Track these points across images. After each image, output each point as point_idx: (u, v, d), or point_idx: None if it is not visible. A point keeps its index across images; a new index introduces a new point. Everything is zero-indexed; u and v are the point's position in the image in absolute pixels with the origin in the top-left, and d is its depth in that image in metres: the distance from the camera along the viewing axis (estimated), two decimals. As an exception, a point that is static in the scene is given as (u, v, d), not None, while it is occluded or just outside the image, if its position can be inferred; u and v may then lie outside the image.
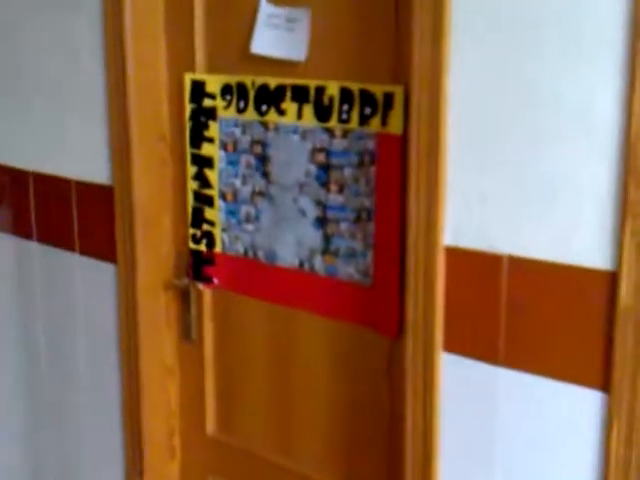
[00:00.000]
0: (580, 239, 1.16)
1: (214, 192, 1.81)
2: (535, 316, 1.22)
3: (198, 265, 1.88)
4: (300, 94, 1.62)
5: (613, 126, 1.11)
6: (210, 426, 1.94)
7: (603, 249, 1.14)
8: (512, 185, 1.22)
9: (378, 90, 1.49)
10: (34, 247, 2.17)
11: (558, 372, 1.20)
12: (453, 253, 1.31)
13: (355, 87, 1.53)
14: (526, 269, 1.22)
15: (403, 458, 1.42)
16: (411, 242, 1.36)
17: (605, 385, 1.16)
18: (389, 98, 1.47)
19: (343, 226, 1.59)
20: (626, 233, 1.11)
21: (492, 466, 1.30)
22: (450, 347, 1.33)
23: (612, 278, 1.13)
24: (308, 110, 1.61)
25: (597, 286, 1.15)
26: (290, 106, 1.64)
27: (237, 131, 1.75)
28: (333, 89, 1.56)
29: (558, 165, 1.17)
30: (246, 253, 1.78)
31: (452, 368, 1.33)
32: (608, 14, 1.10)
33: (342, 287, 1.62)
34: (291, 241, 1.69)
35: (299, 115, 1.63)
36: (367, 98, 1.51)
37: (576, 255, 1.17)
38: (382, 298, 1.54)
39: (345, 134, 1.56)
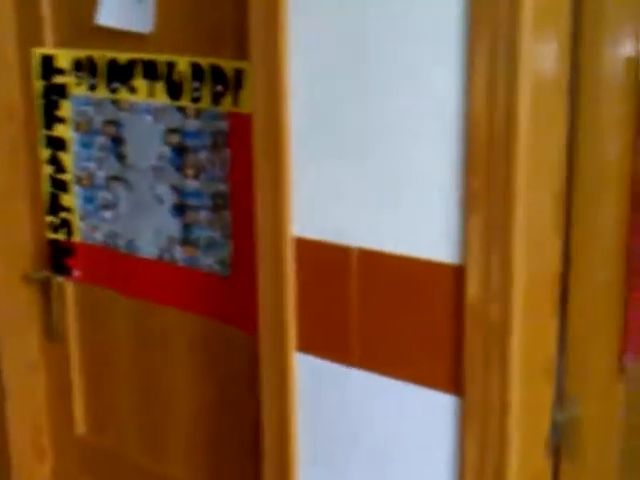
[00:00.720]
0: (427, 231, 1.07)
1: (69, 177, 1.67)
2: (386, 314, 1.13)
3: (57, 256, 1.73)
4: (151, 70, 1.48)
5: (454, 114, 1.01)
6: (80, 426, 1.81)
7: (449, 242, 1.04)
8: (360, 174, 1.12)
9: (228, 66, 1.37)
10: None
11: (410, 374, 1.11)
12: (303, 245, 1.20)
13: (205, 63, 1.40)
14: (376, 263, 1.13)
15: (262, 461, 1.34)
16: (260, 232, 1.25)
17: (457, 387, 1.08)
18: (239, 75, 1.35)
19: (202, 214, 1.47)
20: (470, 225, 1.02)
21: (348, 468, 1.22)
22: (304, 346, 1.23)
23: (459, 273, 1.05)
24: (160, 88, 1.48)
25: (445, 281, 1.06)
26: (141, 83, 1.50)
27: (90, 110, 1.61)
28: (183, 65, 1.43)
29: (403, 153, 1.07)
30: (106, 243, 1.64)
31: (306, 369, 1.23)
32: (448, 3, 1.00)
33: (203, 279, 1.50)
34: (150, 230, 1.56)
35: (150, 93, 1.49)
36: (218, 75, 1.39)
37: (424, 248, 1.07)
38: (241, 292, 1.43)
39: (198, 114, 1.43)
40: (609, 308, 1.16)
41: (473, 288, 1.03)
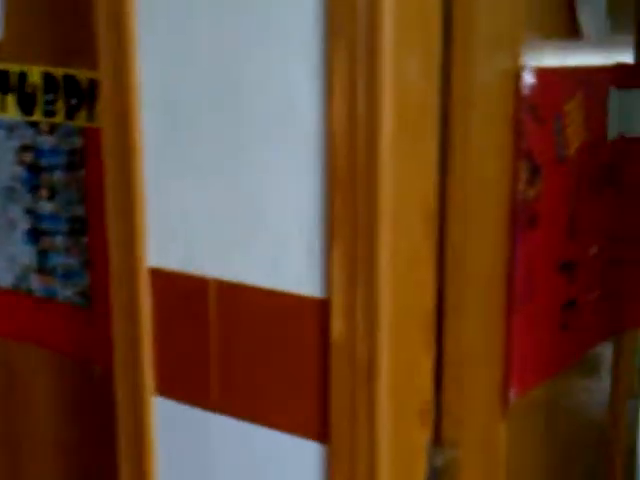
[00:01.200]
0: (288, 261, 0.96)
1: None
2: (247, 353, 1.02)
3: None
4: (1, 82, 1.34)
5: (316, 131, 0.92)
6: None
7: (313, 273, 0.94)
8: (216, 199, 1.00)
9: (83, 77, 1.24)
10: None
11: (272, 420, 1.00)
12: (159, 276, 1.08)
13: (59, 73, 1.27)
14: (236, 296, 1.02)
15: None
16: (112, 261, 1.12)
17: (323, 434, 0.98)
18: (93, 86, 1.23)
19: (58, 240, 1.34)
20: (333, 254, 0.93)
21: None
22: (162, 388, 1.11)
23: (324, 307, 0.95)
24: (11, 101, 1.34)
25: (309, 317, 0.96)
26: (-9, 96, 1.37)
27: (-62, 125, 1.46)
28: (35, 75, 1.30)
29: (262, 178, 0.96)
30: (-43, 272, 1.49)
31: (164, 414, 1.11)
32: (304, 9, 0.91)
33: (62, 311, 1.37)
34: (3, 257, 1.42)
35: (2, 107, 1.36)
36: (72, 86, 1.26)
37: (286, 280, 0.97)
38: (101, 326, 1.30)
39: (52, 130, 1.30)
40: (489, 339, 1.09)
41: (338, 324, 0.93)
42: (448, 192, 0.98)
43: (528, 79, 1.05)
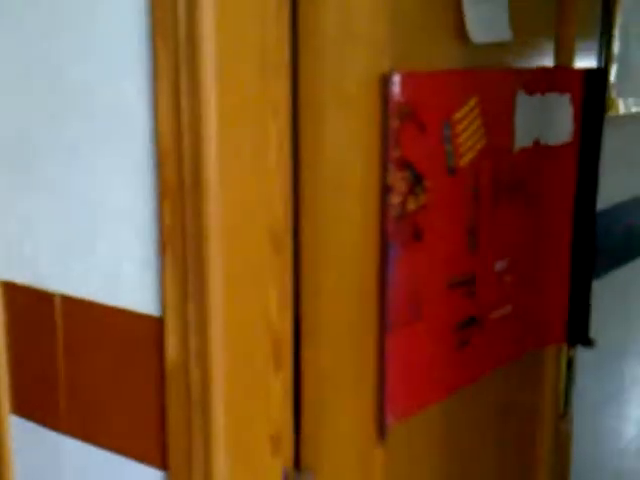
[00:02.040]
0: (125, 276, 0.90)
1: None
2: (92, 373, 0.95)
3: None
4: None
5: (144, 135, 0.86)
6: None
7: (148, 289, 0.88)
8: (55, 211, 0.94)
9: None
10: None
11: (116, 444, 0.94)
12: (10, 290, 1.02)
13: None
14: (79, 313, 0.95)
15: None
16: (-31, 274, 1.07)
17: (162, 461, 0.92)
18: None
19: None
20: (166, 269, 0.86)
21: None
22: (18, 408, 1.05)
23: (159, 326, 0.89)
24: None
25: (146, 337, 0.89)
26: None
27: None
28: None
29: (96, 188, 0.90)
30: None
31: (22, 435, 1.05)
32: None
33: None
34: None
35: None
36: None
37: (123, 297, 0.90)
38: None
39: None
40: (359, 363, 1.02)
41: (172, 345, 0.87)
42: (302, 205, 0.91)
43: (398, 82, 0.98)
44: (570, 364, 1.48)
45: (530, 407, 1.42)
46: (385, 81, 0.96)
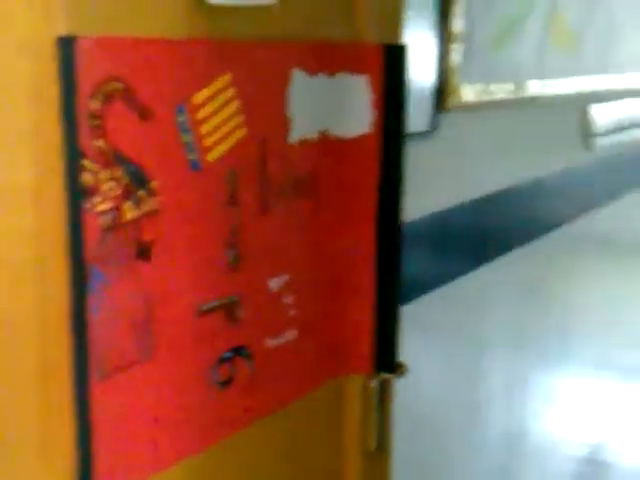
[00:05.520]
0: None
1: None
2: None
3: None
4: None
5: None
6: None
7: None
8: None
9: None
10: None
11: None
12: None
13: None
14: None
15: None
16: None
17: None
18: None
19: None
20: None
21: None
22: None
23: None
24: None
25: None
26: None
27: None
28: None
29: None
30: None
31: None
32: None
33: None
34: None
35: None
36: None
37: None
38: None
39: None
40: (43, 427, 0.77)
41: None
42: None
43: (91, 50, 0.73)
44: (383, 392, 1.27)
45: (331, 445, 1.20)
46: (64, 48, 0.71)
